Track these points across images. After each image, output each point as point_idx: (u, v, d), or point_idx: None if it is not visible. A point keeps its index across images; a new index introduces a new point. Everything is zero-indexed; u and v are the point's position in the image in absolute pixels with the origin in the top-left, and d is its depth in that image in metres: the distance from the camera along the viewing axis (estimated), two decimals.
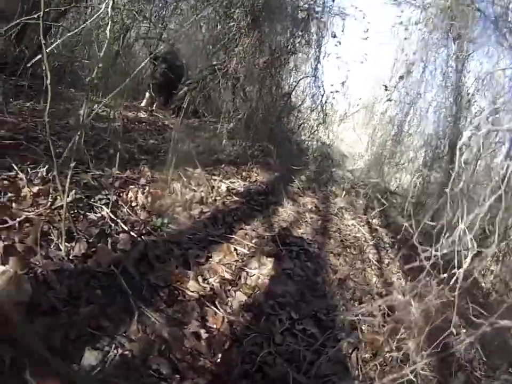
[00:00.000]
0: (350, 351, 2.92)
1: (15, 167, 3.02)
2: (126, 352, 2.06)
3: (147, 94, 7.21)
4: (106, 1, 2.75)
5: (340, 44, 8.88)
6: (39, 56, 2.38)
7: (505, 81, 7.68)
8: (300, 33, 8.21)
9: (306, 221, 5.22)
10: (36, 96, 4.58)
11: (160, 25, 7.56)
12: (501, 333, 2.77)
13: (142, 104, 7.09)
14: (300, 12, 8.23)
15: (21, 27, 5.02)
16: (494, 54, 8.47)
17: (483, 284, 5.26)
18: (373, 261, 4.80)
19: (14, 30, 5.07)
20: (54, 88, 3.70)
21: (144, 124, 5.82)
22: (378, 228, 6.26)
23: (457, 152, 2.96)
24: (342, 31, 8.74)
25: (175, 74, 6.93)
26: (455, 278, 2.62)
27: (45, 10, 2.37)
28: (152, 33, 7.58)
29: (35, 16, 2.66)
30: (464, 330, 3.35)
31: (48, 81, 2.31)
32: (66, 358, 1.89)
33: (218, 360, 2.34)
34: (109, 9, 2.71)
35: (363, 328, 3.24)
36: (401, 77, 9.65)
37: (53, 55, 5.46)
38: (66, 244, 2.54)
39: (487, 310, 3.91)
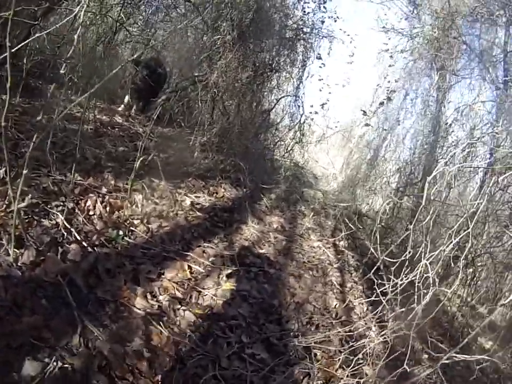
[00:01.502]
0: (301, 378, 2.90)
1: None
2: (66, 365, 2.03)
3: (126, 99, 7.15)
4: (80, 5, 2.74)
5: (324, 65, 9.02)
6: (4, 54, 2.33)
7: (483, 114, 7.80)
8: (286, 52, 8.29)
9: (269, 240, 5.18)
10: (14, 89, 4.51)
11: (148, 30, 7.55)
12: (460, 361, 2.79)
13: (119, 109, 7.02)
14: (288, 31, 8.29)
15: (3, 21, 4.96)
16: (475, 86, 8.63)
17: (449, 308, 5.30)
18: (336, 284, 4.78)
19: None
20: (21, 81, 3.66)
21: (117, 129, 5.73)
22: (345, 250, 6.24)
23: (426, 186, 3.01)
24: (328, 53, 8.91)
25: (156, 81, 6.86)
26: (413, 313, 2.66)
27: (16, 9, 2.32)
28: (139, 38, 7.57)
29: (6, 14, 2.62)
30: (426, 356, 3.39)
31: (8, 85, 2.26)
32: (6, 366, 1.87)
33: (159, 380, 2.31)
34: (81, 13, 2.70)
35: (318, 354, 3.22)
36: (381, 103, 9.79)
37: (36, 49, 5.43)
38: (15, 249, 2.51)
39: (451, 336, 3.96)
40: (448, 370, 3.36)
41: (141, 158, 3.67)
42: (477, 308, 5.32)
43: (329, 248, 6.05)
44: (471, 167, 5.46)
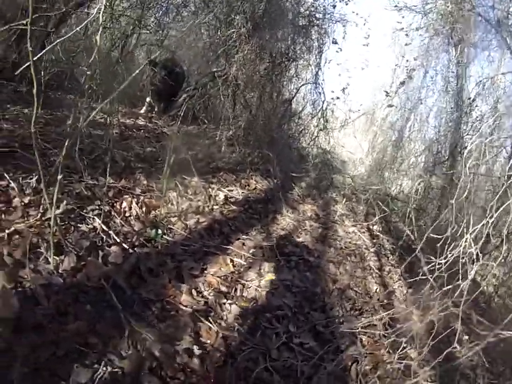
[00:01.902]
0: (349, 364, 2.85)
1: (7, 176, 2.95)
2: (116, 370, 1.99)
3: (147, 101, 7.17)
4: (98, 6, 2.70)
5: (341, 50, 8.89)
6: (28, 63, 2.30)
7: (506, 85, 7.65)
8: (301, 40, 8.20)
9: (305, 229, 5.15)
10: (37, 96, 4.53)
11: (161, 31, 7.54)
12: (504, 340, 2.70)
13: (142, 111, 7.05)
14: (300, 18, 8.21)
15: (20, 32, 4.98)
16: (495, 58, 8.48)
17: (485, 288, 5.19)
18: (374, 268, 4.74)
19: (14, 35, 5.05)
20: (40, 95, 3.65)
21: (142, 131, 5.76)
22: (379, 234, 6.19)
23: (462, 160, 2.91)
24: (343, 37, 8.76)
25: (175, 81, 6.88)
26: (459, 290, 2.57)
27: (33, 16, 2.28)
28: (153, 40, 7.57)
29: (23, 22, 2.60)
30: (466, 337, 3.30)
31: (35, 90, 2.23)
32: (54, 376, 1.83)
33: (212, 377, 2.27)
34: (100, 15, 2.66)
35: (363, 339, 3.18)
36: (402, 83, 9.66)
37: (52, 61, 5.44)
38: (55, 257, 2.48)
39: (489, 316, 3.85)
40: (489, 352, 3.27)
41: (172, 157, 3.63)
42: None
43: (364, 232, 6.00)
44: (505, 138, 5.31)
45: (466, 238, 2.64)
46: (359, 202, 7.75)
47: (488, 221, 2.70)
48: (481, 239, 2.78)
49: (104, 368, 1.96)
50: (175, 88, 7.10)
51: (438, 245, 2.80)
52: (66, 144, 2.52)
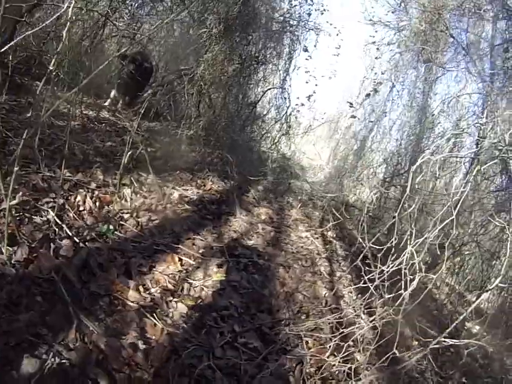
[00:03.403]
0: (294, 365, 2.91)
1: None
2: (64, 361, 2.05)
3: (112, 93, 7.13)
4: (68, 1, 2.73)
5: (311, 58, 9.02)
6: None
7: (470, 105, 7.86)
8: (272, 44, 8.30)
9: (258, 232, 5.20)
10: (0, 87, 4.49)
11: (134, 24, 7.52)
12: (452, 345, 2.83)
13: (106, 104, 7.00)
14: (274, 23, 8.30)
15: None
16: (462, 79, 8.67)
17: (437, 296, 5.36)
18: (325, 273, 4.80)
19: None
20: (6, 80, 3.66)
21: (104, 124, 5.74)
22: (333, 240, 6.27)
23: (410, 174, 3.06)
24: (315, 45, 8.93)
25: (143, 75, 6.86)
26: (401, 298, 2.71)
27: (5, 5, 2.33)
28: (125, 32, 7.53)
29: None
30: (416, 343, 3.45)
31: None
32: (5, 365, 1.88)
33: (156, 371, 2.34)
34: (70, 10, 2.70)
35: (309, 342, 3.24)
36: (368, 95, 9.79)
37: (21, 45, 5.40)
38: (8, 247, 2.52)
39: (440, 323, 4.02)
40: (438, 356, 3.41)
41: (129, 153, 3.68)
42: (465, 295, 5.38)
43: (317, 238, 6.07)
44: (456, 157, 5.50)
45: (409, 250, 2.78)
46: (315, 208, 7.84)
47: (430, 236, 2.86)
48: (423, 251, 2.93)
49: (53, 359, 2.01)
50: (142, 83, 7.06)
51: (381, 254, 2.93)
52: (25, 134, 2.56)
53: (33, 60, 5.76)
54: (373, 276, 2.91)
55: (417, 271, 2.70)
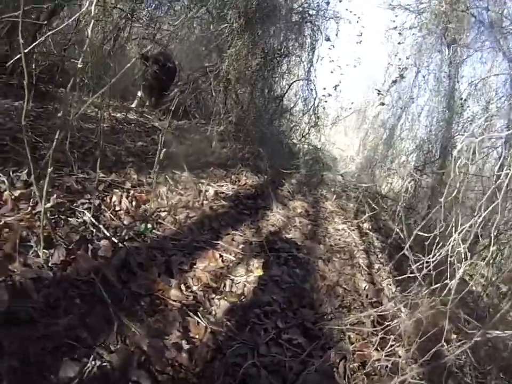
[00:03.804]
0: (337, 361, 2.84)
1: None
2: (105, 364, 2.00)
3: (138, 95, 7.16)
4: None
5: (334, 47, 8.92)
6: (19, 55, 2.29)
7: (498, 86, 7.70)
8: (293, 36, 8.23)
9: (295, 225, 5.14)
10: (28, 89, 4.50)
11: (153, 25, 7.52)
12: (491, 339, 2.73)
13: (133, 105, 7.03)
14: (293, 14, 8.21)
15: (11, 24, 4.94)
16: (488, 59, 8.52)
17: (474, 288, 5.23)
18: (363, 266, 4.72)
19: (5, 27, 5.02)
20: (32, 88, 3.63)
21: (133, 125, 5.76)
22: (368, 232, 6.18)
23: (452, 160, 2.93)
24: (336, 34, 8.80)
25: (167, 75, 6.89)
26: (447, 289, 2.59)
27: (25, 8, 2.27)
28: (145, 34, 7.54)
29: (15, 14, 2.57)
30: (454, 336, 3.33)
31: (26, 81, 2.22)
32: (43, 370, 1.83)
33: (200, 372, 2.28)
34: (92, 8, 2.64)
35: (352, 336, 3.16)
36: (394, 81, 9.69)
37: (43, 54, 5.41)
38: (45, 250, 2.48)
39: (477, 316, 3.89)
40: (476, 351, 3.30)
41: (163, 151, 3.63)
42: (500, 287, 5.23)
43: (353, 230, 6.00)
44: (495, 137, 5.35)
45: (455, 237, 2.66)
46: (349, 199, 7.76)
47: (476, 221, 2.72)
48: (470, 239, 2.80)
49: (93, 362, 1.96)
50: (166, 82, 7.11)
51: (427, 243, 2.82)
52: (56, 137, 2.51)
53: (56, 68, 5.79)
54: (418, 266, 2.80)
55: (463, 259, 2.59)
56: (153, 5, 8.01)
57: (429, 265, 2.73)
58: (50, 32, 3.59)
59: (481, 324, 2.65)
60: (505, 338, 2.65)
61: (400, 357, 2.93)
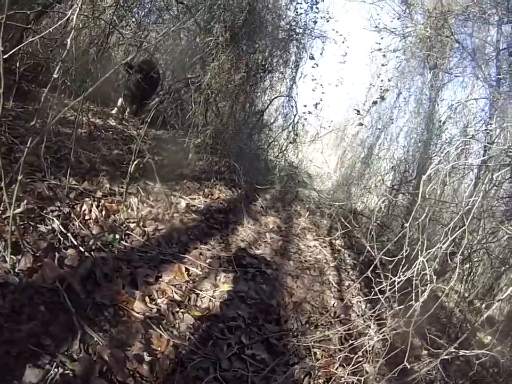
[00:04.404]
0: (301, 377, 2.90)
1: None
2: (67, 372, 2.03)
3: (119, 102, 7.14)
4: (73, 8, 2.72)
5: (317, 65, 9.06)
6: None
7: (477, 111, 7.85)
8: (279, 52, 8.29)
9: (266, 241, 5.17)
10: (7, 93, 4.46)
11: (140, 33, 7.52)
12: (462, 355, 2.79)
13: (113, 112, 7.00)
14: (280, 31, 8.30)
15: None
16: (468, 84, 8.70)
17: (447, 304, 5.31)
18: (333, 283, 4.76)
19: None
20: (14, 87, 3.65)
21: (111, 132, 5.73)
22: (341, 248, 6.23)
23: (422, 182, 3.02)
24: (321, 53, 9.00)
25: (150, 85, 6.87)
26: (412, 310, 2.67)
27: (8, 13, 2.29)
28: (132, 41, 7.54)
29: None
30: (425, 352, 3.40)
31: (1, 90, 2.23)
32: (7, 375, 1.86)
33: None
34: (75, 16, 2.68)
35: (317, 353, 3.22)
36: (374, 102, 9.83)
37: (28, 53, 5.40)
38: (12, 256, 2.49)
39: (449, 332, 3.97)
40: (448, 366, 3.36)
41: (136, 161, 3.65)
42: (474, 303, 5.34)
43: (325, 247, 6.03)
44: (465, 165, 5.47)
45: (420, 261, 2.73)
46: (323, 216, 7.82)
47: (441, 246, 2.81)
48: (435, 261, 2.89)
49: (56, 370, 1.99)
50: (148, 92, 7.08)
51: (390, 266, 2.89)
52: (30, 141, 2.53)
53: (40, 68, 5.77)
54: (383, 286, 2.87)
55: (428, 282, 2.67)
56: (143, 13, 8.03)
57: (394, 287, 2.80)
58: (36, 37, 3.58)
59: (453, 340, 2.72)
60: (477, 354, 2.73)
61: (367, 373, 2.98)
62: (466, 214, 2.80)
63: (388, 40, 9.67)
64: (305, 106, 9.62)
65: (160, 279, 3.22)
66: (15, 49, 2.88)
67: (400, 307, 2.77)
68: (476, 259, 5.23)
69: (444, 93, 9.31)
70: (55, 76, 2.62)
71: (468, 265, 4.92)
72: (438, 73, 9.02)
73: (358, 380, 2.84)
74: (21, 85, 4.81)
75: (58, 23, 4.36)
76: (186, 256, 3.73)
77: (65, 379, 1.99)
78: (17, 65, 4.14)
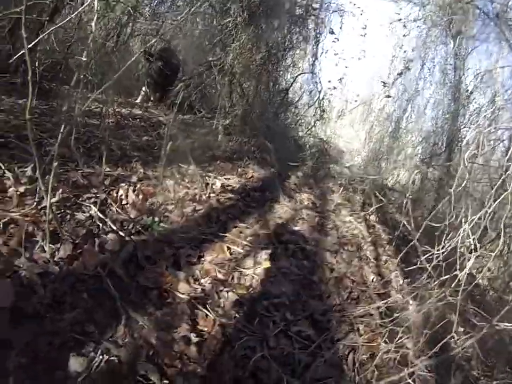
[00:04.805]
0: (346, 353, 2.83)
1: (2, 166, 2.95)
2: (113, 358, 1.99)
3: (142, 90, 7.15)
4: None
5: (338, 40, 8.94)
6: (22, 51, 2.27)
7: (504, 79, 7.67)
8: (297, 29, 8.22)
9: (302, 217, 5.11)
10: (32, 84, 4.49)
11: (156, 21, 7.50)
12: (498, 332, 2.70)
13: (137, 101, 7.03)
14: (297, 8, 8.20)
15: (14, 22, 4.93)
16: (493, 51, 8.49)
17: (480, 281, 5.20)
18: (371, 258, 4.70)
19: (8, 25, 5.00)
20: (36, 85, 3.63)
21: (138, 120, 5.76)
22: (375, 224, 6.16)
23: (461, 150, 2.90)
24: (340, 27, 8.86)
25: (170, 71, 6.87)
26: (457, 280, 2.57)
27: (28, 3, 2.25)
28: (148, 30, 7.53)
29: (17, 10, 2.55)
30: (462, 329, 3.30)
31: (29, 77, 2.20)
32: (51, 366, 1.83)
33: (209, 365, 2.27)
34: (95, 3, 2.62)
35: (360, 328, 3.15)
36: (399, 74, 9.67)
37: (46, 52, 5.40)
38: (51, 245, 2.47)
39: (485, 309, 3.86)
40: (483, 344, 3.28)
41: (169, 144, 3.61)
42: (507, 281, 5.20)
43: (360, 222, 5.96)
44: (503, 129, 5.31)
45: (464, 229, 2.63)
46: (355, 192, 7.72)
47: (486, 211, 2.70)
48: (479, 230, 2.78)
49: (101, 357, 1.96)
50: (170, 78, 7.09)
51: (437, 234, 2.79)
52: (61, 131, 2.50)
53: (59, 66, 5.77)
54: (427, 257, 2.78)
55: (473, 251, 2.57)
56: (156, 1, 8.02)
57: (438, 257, 2.71)
58: (52, 28, 3.55)
59: (489, 317, 2.63)
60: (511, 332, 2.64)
61: (408, 349, 2.91)
62: (504, 182, 2.69)
63: (407, 10, 9.50)
64: (329, 82, 9.50)
65: (203, 259, 3.19)
66: (37, 39, 2.85)
67: (445, 277, 2.67)
68: (510, 235, 5.10)
69: (469, 62, 9.10)
70: (83, 58, 2.57)
71: (502, 240, 4.79)
72: (462, 41, 8.81)
73: (400, 355, 2.78)
74: (42, 84, 4.84)
75: (75, 13, 4.32)
76: (226, 235, 3.69)
77: (111, 366, 1.96)
78: (37, 65, 4.14)
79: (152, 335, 2.23)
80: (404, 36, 9.73)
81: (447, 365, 2.77)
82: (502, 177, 2.72)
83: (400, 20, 9.56)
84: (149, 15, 7.66)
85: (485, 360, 3.09)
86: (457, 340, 2.66)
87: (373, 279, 4.14)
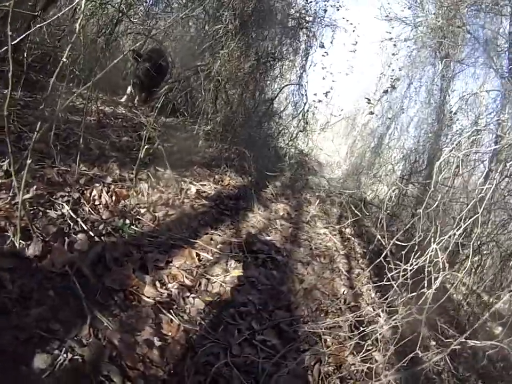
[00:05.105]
0: (312, 364, 2.87)
1: None
2: (77, 357, 2.01)
3: (128, 90, 7.14)
4: None
5: (327, 54, 9.00)
6: (6, 47, 2.30)
7: (488, 102, 7.79)
8: (288, 40, 8.30)
9: (276, 227, 5.14)
10: (15, 83, 4.47)
11: (149, 21, 7.51)
12: (470, 347, 2.77)
13: (122, 100, 7.00)
14: (290, 19, 8.28)
15: (4, 14, 4.92)
16: (480, 75, 8.62)
17: (455, 296, 5.28)
18: (343, 271, 4.74)
19: None
20: (22, 76, 3.63)
21: (120, 120, 5.73)
22: (351, 237, 6.21)
23: (434, 170, 2.98)
24: (331, 42, 8.94)
25: (158, 73, 6.85)
26: (424, 297, 2.63)
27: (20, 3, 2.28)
28: (140, 29, 7.52)
29: (6, 4, 2.57)
30: (433, 343, 3.37)
31: (10, 72, 2.23)
32: (16, 360, 1.85)
33: (171, 369, 2.30)
34: (83, 3, 2.66)
35: (328, 340, 3.19)
36: (385, 91, 9.76)
37: (36, 43, 5.39)
38: (21, 241, 2.49)
39: (457, 323, 3.94)
40: (455, 358, 3.34)
41: (146, 147, 3.64)
42: (482, 296, 5.30)
43: (335, 235, 6.01)
44: (479, 153, 5.42)
45: (433, 248, 2.70)
46: (333, 205, 7.78)
47: (454, 232, 2.77)
48: (449, 249, 2.85)
49: (65, 355, 1.98)
50: (157, 79, 7.07)
51: (403, 252, 2.86)
52: (39, 128, 2.52)
53: (48, 57, 5.76)
54: (396, 272, 2.84)
55: (441, 270, 2.64)
56: (151, 1, 8.02)
57: (406, 274, 2.77)
58: (43, 24, 3.56)
59: (461, 332, 2.70)
60: (485, 347, 2.71)
61: (376, 361, 2.96)
62: (479, 203, 2.76)
63: (398, 30, 9.63)
64: (315, 94, 9.60)
65: (171, 264, 3.20)
66: (23, 36, 2.87)
67: (412, 294, 2.74)
68: (485, 252, 5.20)
69: (455, 84, 9.24)
70: (64, 59, 2.60)
71: (477, 258, 4.89)
72: (450, 64, 8.93)
73: (367, 368, 2.82)
74: (29, 75, 4.82)
75: (67, 9, 4.33)
76: (197, 241, 3.71)
77: (74, 364, 1.97)
78: (25, 56, 4.14)
79: (116, 336, 2.25)
80: (393, 54, 9.85)
81: (416, 378, 2.81)
82: (474, 200, 2.80)
83: (391, 38, 9.69)
84: (142, 15, 7.65)
85: (457, 374, 3.17)
86: (427, 354, 2.73)
87: (343, 291, 4.19)
